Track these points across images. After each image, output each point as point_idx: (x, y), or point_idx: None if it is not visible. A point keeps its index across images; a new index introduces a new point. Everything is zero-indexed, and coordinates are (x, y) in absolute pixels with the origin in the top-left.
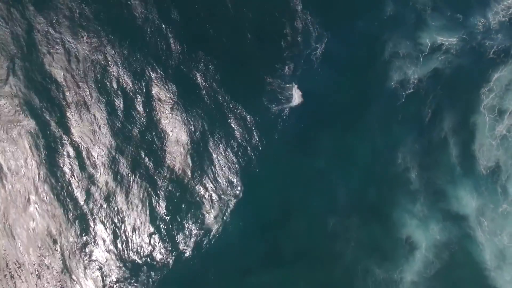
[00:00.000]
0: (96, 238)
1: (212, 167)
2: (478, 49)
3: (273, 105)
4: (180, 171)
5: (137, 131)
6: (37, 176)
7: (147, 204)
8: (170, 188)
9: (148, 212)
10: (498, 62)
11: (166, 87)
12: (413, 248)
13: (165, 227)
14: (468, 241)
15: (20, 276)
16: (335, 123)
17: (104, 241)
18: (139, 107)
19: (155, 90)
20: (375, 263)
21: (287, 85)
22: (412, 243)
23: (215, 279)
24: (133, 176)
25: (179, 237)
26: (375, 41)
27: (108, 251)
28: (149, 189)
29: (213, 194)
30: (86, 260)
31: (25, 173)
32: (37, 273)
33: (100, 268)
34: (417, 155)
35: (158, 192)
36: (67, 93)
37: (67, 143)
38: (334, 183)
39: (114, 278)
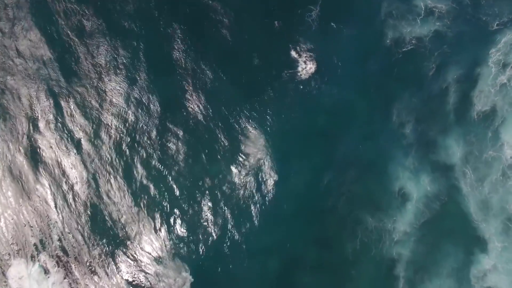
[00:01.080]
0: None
1: None
2: (477, 22)
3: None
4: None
5: None
6: None
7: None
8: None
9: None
10: (505, 30)
11: None
12: (405, 199)
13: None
14: (455, 192)
15: None
16: (332, 81)
17: None
18: None
19: None
20: (369, 214)
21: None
22: (404, 194)
23: None
24: None
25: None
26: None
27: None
28: None
29: None
30: None
31: None
32: None
33: None
34: (413, 110)
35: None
36: None
37: None
38: (332, 140)
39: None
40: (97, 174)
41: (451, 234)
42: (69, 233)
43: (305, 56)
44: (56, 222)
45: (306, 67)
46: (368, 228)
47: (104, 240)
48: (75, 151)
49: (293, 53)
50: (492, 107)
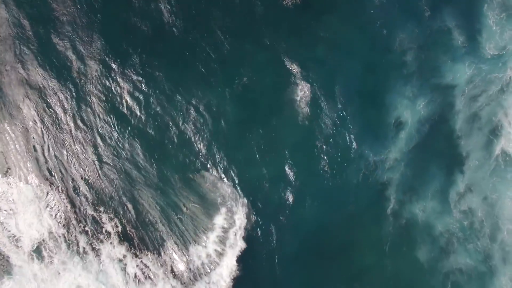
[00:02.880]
0: None
1: None
2: None
3: None
4: None
5: None
6: None
7: None
8: None
9: None
10: None
11: None
12: (400, 129)
13: None
14: (447, 110)
15: None
16: (333, 11)
17: None
18: None
19: None
20: (369, 147)
21: None
22: (400, 123)
23: None
24: None
25: None
26: None
27: None
28: None
29: None
30: None
31: None
32: None
33: None
34: (416, 39)
35: None
36: None
37: None
38: (332, 71)
39: None
40: None
41: (436, 155)
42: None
43: None
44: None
45: None
46: (370, 162)
47: None
48: None
49: None
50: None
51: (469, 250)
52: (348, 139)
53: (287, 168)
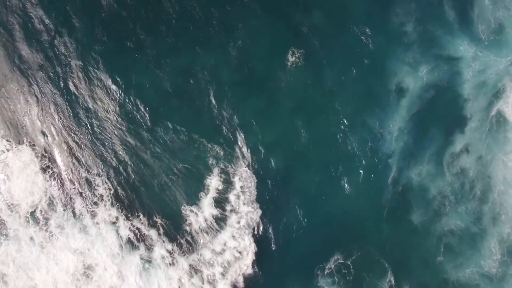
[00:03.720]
0: None
1: None
2: None
3: None
4: None
5: None
6: None
7: None
8: None
9: None
10: None
11: None
12: (401, 96)
13: None
14: (454, 78)
15: None
16: None
17: None
18: None
19: None
20: (373, 116)
21: None
22: (401, 90)
23: None
24: None
25: None
26: None
27: None
28: None
29: None
30: None
31: None
32: None
33: None
34: (414, 12)
35: None
36: None
37: None
38: (329, 38)
39: None
40: None
41: (438, 118)
42: None
43: None
44: None
45: None
46: (374, 132)
47: None
48: None
49: None
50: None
51: (460, 212)
52: (347, 107)
53: (286, 134)
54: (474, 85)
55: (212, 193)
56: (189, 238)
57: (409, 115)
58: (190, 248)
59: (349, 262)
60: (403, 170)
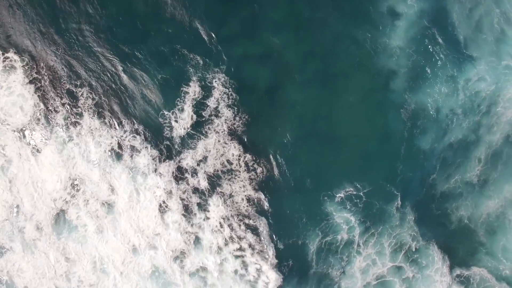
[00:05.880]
0: None
1: None
2: None
3: None
4: None
5: None
6: None
7: None
8: None
9: None
10: None
11: None
12: (395, 19)
13: None
14: None
15: None
16: None
17: None
18: None
19: None
20: (363, 30)
21: None
22: (395, 13)
23: None
24: None
25: None
26: None
27: None
28: None
29: None
30: None
31: None
32: None
33: None
34: None
35: None
36: None
37: None
38: None
39: None
40: None
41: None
42: None
43: None
44: None
45: None
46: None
47: None
48: None
49: None
50: None
51: (463, 127)
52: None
53: (273, 44)
54: None
55: (193, 98)
56: (175, 146)
57: (408, 37)
58: (173, 154)
59: (361, 193)
60: (414, 90)
